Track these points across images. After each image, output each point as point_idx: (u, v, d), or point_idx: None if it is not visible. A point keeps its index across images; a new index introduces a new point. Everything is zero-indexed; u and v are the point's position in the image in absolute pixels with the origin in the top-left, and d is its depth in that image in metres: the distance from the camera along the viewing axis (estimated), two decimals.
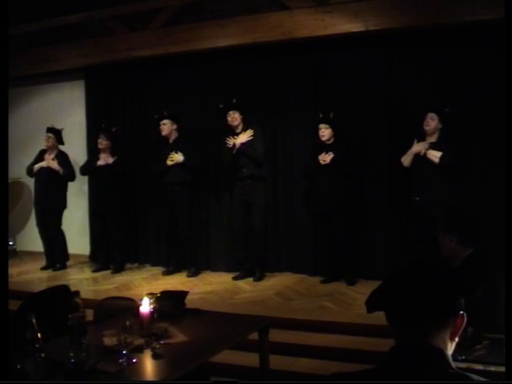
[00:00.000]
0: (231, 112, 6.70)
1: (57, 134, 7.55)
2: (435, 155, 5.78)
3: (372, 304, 1.58)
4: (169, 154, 6.98)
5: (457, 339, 1.54)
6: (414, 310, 1.50)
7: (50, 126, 7.57)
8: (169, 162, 6.94)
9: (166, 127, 7.05)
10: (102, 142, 7.28)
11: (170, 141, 7.10)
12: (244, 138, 6.61)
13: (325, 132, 6.38)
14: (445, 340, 1.51)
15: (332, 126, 6.38)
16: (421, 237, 5.91)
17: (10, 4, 3.40)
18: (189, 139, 7.23)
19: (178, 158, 6.92)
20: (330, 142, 6.42)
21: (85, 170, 7.51)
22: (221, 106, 6.74)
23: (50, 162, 7.45)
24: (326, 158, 6.30)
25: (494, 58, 5.61)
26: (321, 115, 6.42)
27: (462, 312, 1.52)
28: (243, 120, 6.75)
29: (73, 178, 7.62)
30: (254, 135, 6.63)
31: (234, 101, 6.69)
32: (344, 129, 6.51)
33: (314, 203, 6.61)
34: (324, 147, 6.39)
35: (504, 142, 3.11)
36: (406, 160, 6.00)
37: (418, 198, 5.94)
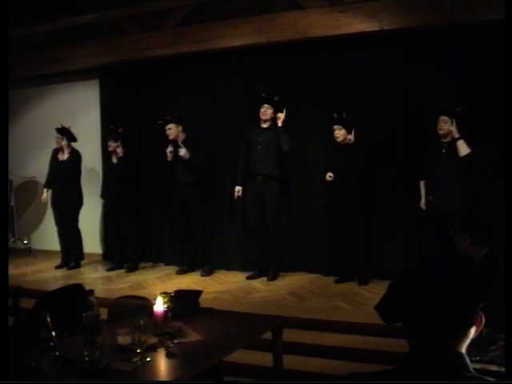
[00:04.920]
0: (266, 106, 6.67)
1: (67, 133, 7.53)
2: (464, 148, 5.67)
3: (389, 316, 1.56)
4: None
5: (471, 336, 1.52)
6: (435, 323, 1.47)
7: (58, 126, 7.50)
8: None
9: (173, 131, 7.06)
10: (111, 145, 7.34)
11: (179, 143, 7.12)
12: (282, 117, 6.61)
13: (339, 133, 6.33)
14: (463, 343, 1.49)
15: (345, 127, 6.33)
16: (435, 236, 5.87)
17: (25, 4, 3.42)
18: (197, 139, 7.23)
19: (183, 153, 6.90)
20: (346, 142, 6.36)
21: None
22: (263, 94, 6.67)
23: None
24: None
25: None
26: (334, 115, 6.37)
27: (480, 312, 1.50)
28: (273, 119, 6.71)
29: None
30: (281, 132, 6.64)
31: (276, 98, 6.65)
32: (358, 129, 6.45)
33: (333, 202, 6.58)
34: (343, 148, 6.37)
35: None
36: None
37: (431, 198, 5.91)
